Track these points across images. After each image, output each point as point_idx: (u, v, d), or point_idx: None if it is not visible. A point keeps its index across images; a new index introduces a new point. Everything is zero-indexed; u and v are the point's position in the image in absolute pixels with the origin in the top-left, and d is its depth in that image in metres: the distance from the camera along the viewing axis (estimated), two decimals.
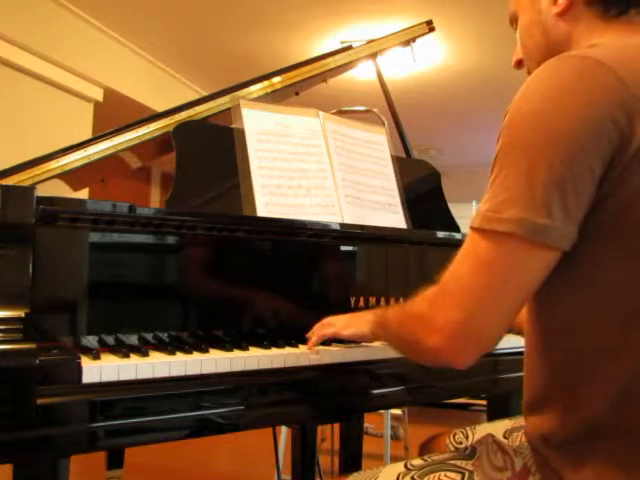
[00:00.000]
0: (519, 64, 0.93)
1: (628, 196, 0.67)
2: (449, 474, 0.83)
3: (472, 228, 0.73)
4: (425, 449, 1.14)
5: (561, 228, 0.67)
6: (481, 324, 0.71)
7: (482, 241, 0.71)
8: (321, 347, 1.08)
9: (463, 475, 0.83)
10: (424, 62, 4.35)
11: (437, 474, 0.84)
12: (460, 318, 0.71)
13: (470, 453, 0.88)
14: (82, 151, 1.29)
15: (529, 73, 0.87)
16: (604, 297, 0.71)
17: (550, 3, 0.84)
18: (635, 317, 0.69)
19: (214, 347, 1.00)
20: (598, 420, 0.71)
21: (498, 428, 1.01)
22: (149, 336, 1.03)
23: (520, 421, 0.98)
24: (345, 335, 1.04)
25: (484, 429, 1.05)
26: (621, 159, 0.66)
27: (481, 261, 0.70)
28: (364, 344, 1.12)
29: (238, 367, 0.95)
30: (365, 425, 2.51)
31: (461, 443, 1.06)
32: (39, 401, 0.77)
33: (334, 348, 1.09)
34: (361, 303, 1.28)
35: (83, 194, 2.39)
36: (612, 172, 0.67)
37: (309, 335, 1.07)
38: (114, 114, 3.39)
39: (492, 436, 0.90)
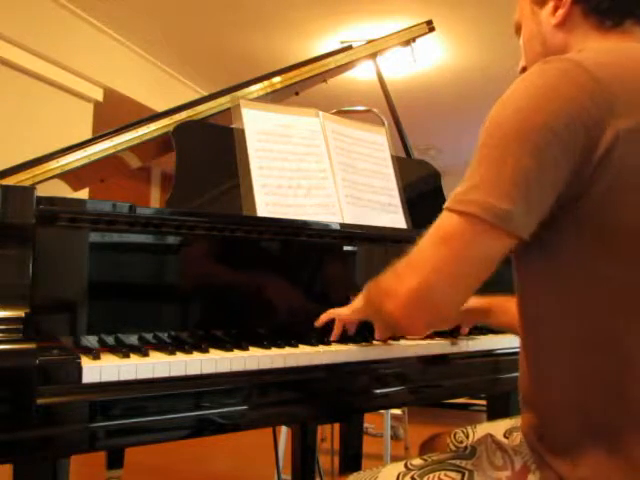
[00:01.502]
0: (524, 71, 0.94)
1: (600, 196, 0.69)
2: (449, 473, 0.84)
3: (443, 208, 0.77)
4: (426, 448, 1.14)
5: (521, 217, 0.70)
6: (436, 294, 0.75)
7: (448, 219, 0.75)
8: (322, 347, 1.08)
9: (463, 474, 0.83)
10: (424, 62, 4.35)
11: (437, 473, 0.84)
12: (417, 285, 0.75)
13: (470, 453, 0.88)
14: (82, 151, 1.29)
15: None
16: (584, 291, 0.73)
17: (549, 14, 0.87)
18: (617, 313, 0.71)
19: (214, 347, 1.00)
20: (592, 417, 0.72)
21: (499, 427, 1.01)
22: (149, 336, 1.03)
23: (520, 420, 0.98)
24: (344, 314, 1.10)
25: (485, 428, 1.05)
26: (590, 158, 0.68)
27: (444, 236, 0.75)
28: (365, 344, 1.12)
29: (238, 367, 0.95)
30: (365, 425, 2.51)
31: (462, 442, 1.06)
32: (39, 401, 0.77)
33: (334, 347, 1.09)
34: None
35: (83, 194, 2.39)
36: (585, 170, 0.69)
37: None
38: (114, 114, 3.39)
39: (491, 436, 0.90)
